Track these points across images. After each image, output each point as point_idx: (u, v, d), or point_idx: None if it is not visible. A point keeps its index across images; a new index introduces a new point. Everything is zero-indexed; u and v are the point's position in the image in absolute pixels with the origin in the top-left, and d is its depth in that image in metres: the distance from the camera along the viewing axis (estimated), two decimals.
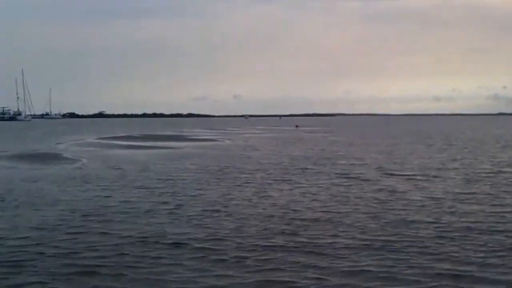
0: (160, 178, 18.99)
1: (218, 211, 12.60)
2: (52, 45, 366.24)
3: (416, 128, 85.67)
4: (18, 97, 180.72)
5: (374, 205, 13.22)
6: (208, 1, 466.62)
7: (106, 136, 54.28)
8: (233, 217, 11.83)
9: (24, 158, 28.11)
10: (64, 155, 30.23)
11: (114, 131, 71.41)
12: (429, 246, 9.19)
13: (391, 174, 19.72)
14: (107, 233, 10.39)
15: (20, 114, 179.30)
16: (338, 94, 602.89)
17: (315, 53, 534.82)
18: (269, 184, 17.39)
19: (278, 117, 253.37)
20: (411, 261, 8.37)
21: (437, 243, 9.41)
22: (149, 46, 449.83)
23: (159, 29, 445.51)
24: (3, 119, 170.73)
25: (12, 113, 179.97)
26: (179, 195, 15.09)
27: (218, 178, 18.87)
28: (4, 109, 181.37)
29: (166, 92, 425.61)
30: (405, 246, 9.22)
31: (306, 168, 21.96)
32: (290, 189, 16.12)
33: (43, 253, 9.02)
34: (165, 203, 13.73)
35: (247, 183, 17.66)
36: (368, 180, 18.10)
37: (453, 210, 12.48)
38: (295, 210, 12.58)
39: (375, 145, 38.31)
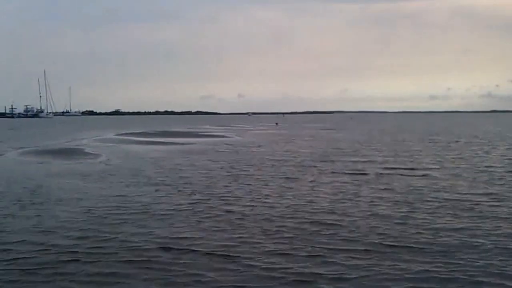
0: (183, 175, 18.46)
1: (244, 215, 12.03)
2: (72, 47, 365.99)
3: (413, 124, 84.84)
4: (40, 96, 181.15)
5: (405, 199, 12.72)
6: (214, 7, 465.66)
7: (123, 132, 53.82)
8: (264, 218, 11.36)
9: (49, 153, 27.74)
10: (86, 150, 29.83)
11: (130, 127, 70.96)
12: None
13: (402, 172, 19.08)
14: (139, 233, 9.93)
15: (42, 112, 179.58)
16: (336, 93, 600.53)
17: (315, 54, 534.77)
18: (290, 180, 16.89)
19: (282, 115, 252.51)
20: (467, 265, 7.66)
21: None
22: (161, 48, 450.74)
23: (170, 33, 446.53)
24: (26, 116, 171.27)
25: (35, 110, 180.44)
26: (199, 191, 14.61)
27: (236, 175, 18.34)
28: (28, 107, 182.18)
29: (177, 91, 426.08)
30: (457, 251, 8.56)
31: (321, 164, 21.45)
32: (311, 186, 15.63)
33: (77, 259, 8.57)
34: (191, 201, 13.26)
35: (267, 180, 17.15)
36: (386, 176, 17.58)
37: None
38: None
39: (380, 142, 37.62)
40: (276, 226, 9.98)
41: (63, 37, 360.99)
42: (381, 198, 12.98)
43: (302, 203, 12.32)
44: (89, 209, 11.76)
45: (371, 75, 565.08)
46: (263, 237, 9.23)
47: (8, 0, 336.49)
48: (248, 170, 19.33)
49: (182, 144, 35.93)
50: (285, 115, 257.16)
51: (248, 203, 12.38)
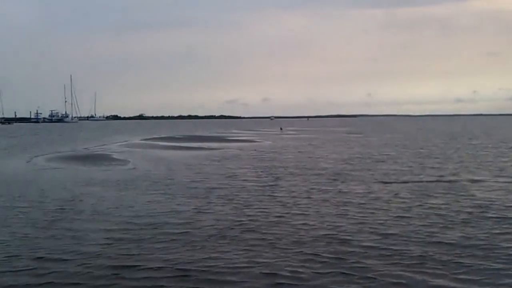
0: (219, 182, 17.17)
1: (301, 239, 10.61)
2: (97, 53, 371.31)
3: (444, 128, 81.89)
4: (66, 101, 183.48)
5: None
6: (239, 12, 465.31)
7: (149, 137, 53.11)
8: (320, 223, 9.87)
9: (76, 160, 26.93)
10: (113, 156, 28.89)
11: (156, 132, 70.43)
12: None
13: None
14: (180, 256, 8.58)
15: (67, 116, 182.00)
16: (361, 97, 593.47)
17: (339, 58, 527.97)
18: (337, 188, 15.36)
19: (306, 118, 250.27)
20: None
21: None
22: (185, 53, 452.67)
23: (195, 38, 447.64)
24: (51, 121, 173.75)
25: (60, 115, 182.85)
26: (243, 203, 13.22)
27: (277, 185, 16.92)
28: (53, 111, 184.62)
29: (200, 96, 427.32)
30: None
31: (365, 172, 19.84)
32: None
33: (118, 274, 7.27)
34: (235, 216, 11.88)
35: (314, 190, 15.65)
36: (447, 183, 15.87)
37: None
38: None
39: (424, 148, 35.66)
40: (345, 253, 8.50)
41: (89, 43, 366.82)
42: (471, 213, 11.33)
43: (369, 220, 10.78)
44: (127, 223, 10.51)
45: (395, 79, 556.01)
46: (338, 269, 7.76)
47: (36, 7, 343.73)
48: (290, 180, 17.80)
49: (212, 149, 34.72)
50: (309, 118, 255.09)
51: (302, 221, 10.87)
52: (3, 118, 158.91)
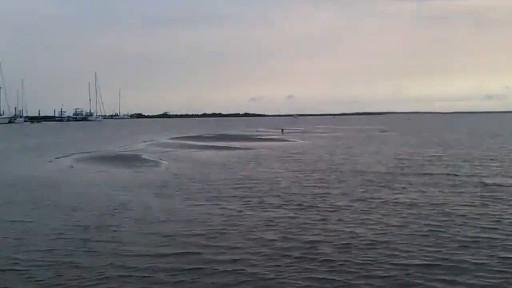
0: (270, 185, 15.86)
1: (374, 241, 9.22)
2: (121, 50, 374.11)
3: (482, 125, 78.81)
4: (90, 99, 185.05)
5: None
6: (265, 8, 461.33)
7: (177, 136, 52.21)
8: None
9: (106, 160, 25.99)
10: (144, 156, 27.91)
11: (183, 131, 69.62)
12: None
13: None
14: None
15: (91, 115, 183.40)
16: (388, 93, 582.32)
17: (367, 54, 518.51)
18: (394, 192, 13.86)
19: (332, 116, 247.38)
20: None
21: None
22: (210, 50, 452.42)
23: (218, 36, 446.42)
24: (75, 119, 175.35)
25: (84, 114, 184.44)
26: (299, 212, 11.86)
27: (325, 184, 15.52)
28: (77, 110, 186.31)
29: (225, 93, 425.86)
30: None
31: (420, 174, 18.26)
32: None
33: None
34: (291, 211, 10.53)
35: (374, 192, 14.19)
36: None
37: None
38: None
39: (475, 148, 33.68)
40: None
41: (113, 41, 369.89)
42: None
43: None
44: (173, 235, 9.29)
45: (424, 75, 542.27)
46: None
47: (59, 5, 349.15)
48: (351, 186, 16.33)
49: (246, 149, 33.44)
50: (335, 116, 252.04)
51: (371, 235, 9.47)
52: (27, 116, 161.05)
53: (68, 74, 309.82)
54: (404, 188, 14.91)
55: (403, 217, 10.72)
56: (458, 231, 9.41)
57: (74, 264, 7.75)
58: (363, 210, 11.56)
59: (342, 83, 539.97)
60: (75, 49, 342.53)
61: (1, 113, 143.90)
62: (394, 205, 12.12)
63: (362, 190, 14.62)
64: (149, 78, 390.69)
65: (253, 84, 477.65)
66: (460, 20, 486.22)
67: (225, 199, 13.32)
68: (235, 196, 13.78)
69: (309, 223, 10.29)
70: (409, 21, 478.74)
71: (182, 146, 36.49)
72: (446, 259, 7.74)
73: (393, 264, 7.54)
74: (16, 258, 8.10)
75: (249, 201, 13.00)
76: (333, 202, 12.63)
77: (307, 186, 15.71)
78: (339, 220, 10.55)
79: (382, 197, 13.32)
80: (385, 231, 9.52)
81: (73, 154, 29.75)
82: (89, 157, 28.02)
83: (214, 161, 24.78)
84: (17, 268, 7.67)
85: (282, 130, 63.35)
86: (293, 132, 62.70)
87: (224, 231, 9.75)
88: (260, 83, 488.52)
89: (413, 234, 9.26)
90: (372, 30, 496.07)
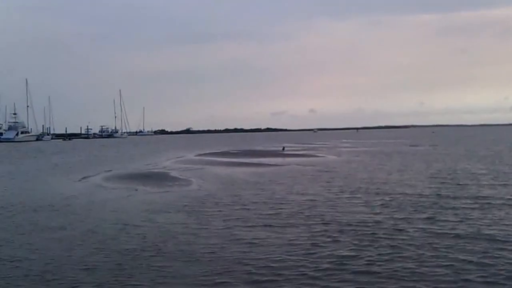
0: (316, 208, 14.82)
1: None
2: (145, 68, 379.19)
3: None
4: (115, 116, 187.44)
5: None
6: (287, 23, 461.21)
7: (203, 152, 51.58)
8: None
9: (135, 178, 25.27)
10: (172, 174, 27.20)
11: (208, 147, 69.06)
12: None
13: None
14: None
15: (117, 132, 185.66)
16: (411, 106, 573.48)
17: (390, 67, 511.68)
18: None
19: (356, 130, 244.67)
20: None
21: None
22: (231, 66, 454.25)
23: (241, 51, 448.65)
24: (101, 136, 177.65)
25: (109, 131, 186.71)
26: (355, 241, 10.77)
27: (383, 205, 14.39)
28: (103, 127, 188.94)
29: (246, 108, 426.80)
30: None
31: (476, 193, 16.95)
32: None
33: None
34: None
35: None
36: None
37: None
38: None
39: None
40: None
41: (137, 58, 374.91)
42: None
43: None
44: (226, 267, 8.31)
45: (448, 87, 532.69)
46: None
47: (86, 24, 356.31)
48: (401, 207, 15.21)
49: (276, 165, 32.42)
50: (358, 130, 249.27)
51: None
52: (54, 134, 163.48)
53: (94, 92, 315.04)
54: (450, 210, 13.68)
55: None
56: None
57: None
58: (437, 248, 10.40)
59: (364, 96, 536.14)
60: (100, 67, 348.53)
61: (29, 130, 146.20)
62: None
63: (426, 216, 13.44)
64: (172, 94, 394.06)
65: (275, 99, 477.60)
66: (485, 30, 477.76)
67: (264, 222, 12.33)
68: (276, 220, 12.76)
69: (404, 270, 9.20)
70: (433, 33, 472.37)
71: (210, 163, 35.71)
72: None
73: None
74: None
75: (310, 228, 11.94)
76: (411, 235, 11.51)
77: (365, 212, 14.59)
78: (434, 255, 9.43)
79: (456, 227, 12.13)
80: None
81: (103, 172, 29.25)
82: (118, 175, 27.38)
83: (246, 179, 23.80)
84: None
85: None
86: (320, 147, 61.45)
87: (281, 256, 8.73)
88: (281, 98, 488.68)
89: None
90: (394, 43, 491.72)
